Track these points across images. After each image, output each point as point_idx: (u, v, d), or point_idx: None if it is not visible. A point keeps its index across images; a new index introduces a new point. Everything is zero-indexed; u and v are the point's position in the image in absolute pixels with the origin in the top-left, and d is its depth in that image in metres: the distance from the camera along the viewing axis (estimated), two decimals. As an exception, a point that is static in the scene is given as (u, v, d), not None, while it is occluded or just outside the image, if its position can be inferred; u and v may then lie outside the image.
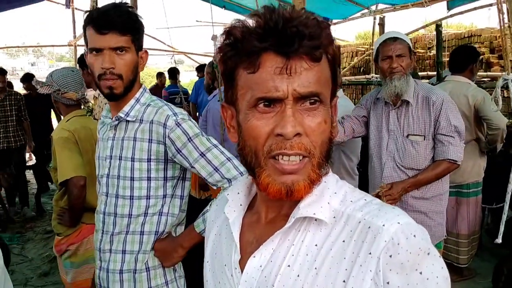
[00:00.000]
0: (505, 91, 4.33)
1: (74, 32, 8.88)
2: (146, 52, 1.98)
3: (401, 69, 2.84)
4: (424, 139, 2.90)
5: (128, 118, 1.92)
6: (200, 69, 9.06)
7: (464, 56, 4.25)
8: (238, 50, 0.89)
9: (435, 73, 6.84)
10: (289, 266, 0.92)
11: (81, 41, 7.42)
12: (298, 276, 0.91)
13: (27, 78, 7.85)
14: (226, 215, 1.05)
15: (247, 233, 1.03)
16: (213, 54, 4.10)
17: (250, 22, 0.89)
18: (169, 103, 1.99)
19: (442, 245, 3.20)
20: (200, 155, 1.85)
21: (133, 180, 1.91)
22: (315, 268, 0.90)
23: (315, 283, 0.89)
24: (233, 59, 0.91)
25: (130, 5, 1.93)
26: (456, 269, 4.22)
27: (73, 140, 2.74)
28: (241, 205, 1.06)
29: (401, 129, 2.97)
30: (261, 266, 0.96)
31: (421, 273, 0.84)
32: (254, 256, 0.96)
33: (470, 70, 4.22)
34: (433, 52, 8.74)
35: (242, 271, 0.98)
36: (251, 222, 1.04)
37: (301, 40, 0.85)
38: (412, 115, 2.92)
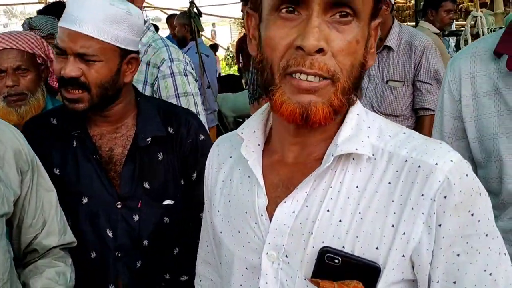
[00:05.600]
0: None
1: (44, -11, 8.55)
2: None
3: None
4: (403, 85, 2.88)
5: None
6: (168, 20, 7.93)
7: (426, 3, 4.24)
8: None
9: (414, 23, 6.79)
10: (328, 211, 0.82)
11: (52, -2, 7.15)
12: (340, 221, 0.81)
13: None
14: (244, 156, 0.91)
15: (270, 175, 0.91)
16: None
17: None
18: (172, 44, 1.91)
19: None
20: None
21: None
22: (359, 213, 0.81)
23: (360, 229, 0.80)
24: None
25: None
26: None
27: None
28: (259, 144, 0.93)
29: (381, 75, 2.94)
30: (294, 212, 0.84)
31: (472, 214, 0.78)
32: (285, 201, 0.85)
33: (429, 16, 4.18)
34: (413, 2, 8.66)
35: (270, 218, 0.87)
36: (272, 162, 0.92)
37: None
38: (393, 60, 2.89)
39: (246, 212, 0.92)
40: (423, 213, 0.77)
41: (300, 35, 0.75)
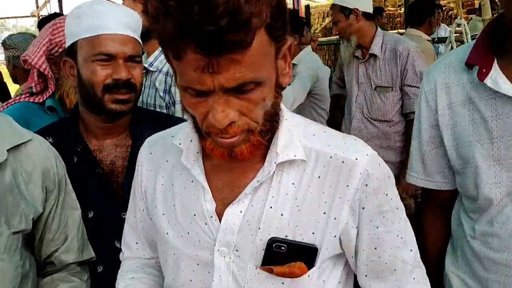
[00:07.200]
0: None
1: (37, 2, 8.58)
2: None
3: (339, 34, 3.13)
4: (392, 90, 2.94)
5: (151, 68, 2.03)
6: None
7: (420, 9, 4.22)
8: (158, 32, 0.79)
9: (405, 30, 6.84)
10: (271, 207, 0.95)
11: (44, 11, 7.20)
12: (282, 215, 0.95)
13: None
14: (186, 165, 1.01)
15: (214, 179, 1.01)
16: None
17: None
18: None
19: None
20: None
21: None
22: (297, 206, 0.95)
23: (299, 219, 0.95)
24: (158, 37, 0.81)
25: None
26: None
27: None
28: (197, 152, 1.02)
29: (369, 82, 3.01)
30: (241, 212, 0.96)
31: (386, 194, 0.98)
32: (233, 204, 0.96)
33: (429, 23, 4.17)
34: (404, 9, 8.74)
35: (219, 219, 0.98)
36: (213, 166, 1.01)
37: (223, 35, 0.73)
38: (380, 67, 2.95)
39: (194, 215, 1.01)
40: (348, 200, 0.95)
41: (210, 112, 0.83)
